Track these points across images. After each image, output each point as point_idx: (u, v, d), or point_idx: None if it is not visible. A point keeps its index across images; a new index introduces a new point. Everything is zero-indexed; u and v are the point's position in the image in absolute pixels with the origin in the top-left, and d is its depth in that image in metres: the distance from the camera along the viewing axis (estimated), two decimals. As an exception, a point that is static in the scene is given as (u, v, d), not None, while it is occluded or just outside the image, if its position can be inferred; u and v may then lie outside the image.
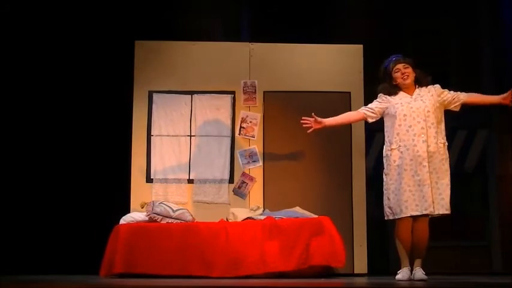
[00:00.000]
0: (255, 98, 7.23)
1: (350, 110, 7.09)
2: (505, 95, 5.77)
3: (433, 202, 5.59)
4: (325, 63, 7.33)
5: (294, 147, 7.16)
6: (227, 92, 7.23)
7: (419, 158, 5.63)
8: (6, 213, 7.24)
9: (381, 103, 5.88)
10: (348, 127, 7.12)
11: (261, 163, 7.15)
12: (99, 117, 7.56)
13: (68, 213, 7.45)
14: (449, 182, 5.68)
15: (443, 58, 9.03)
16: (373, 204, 6.89)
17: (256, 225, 6.44)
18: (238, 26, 8.08)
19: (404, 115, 5.73)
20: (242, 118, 7.21)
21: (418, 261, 5.71)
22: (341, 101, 7.19)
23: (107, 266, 6.31)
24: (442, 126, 5.79)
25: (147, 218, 6.60)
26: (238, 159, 7.16)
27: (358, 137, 7.14)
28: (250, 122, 7.19)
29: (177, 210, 6.68)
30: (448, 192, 5.66)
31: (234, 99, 7.24)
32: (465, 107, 5.89)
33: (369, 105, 5.95)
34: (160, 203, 6.71)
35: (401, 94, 5.84)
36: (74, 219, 7.41)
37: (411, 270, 5.71)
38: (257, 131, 7.19)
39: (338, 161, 7.16)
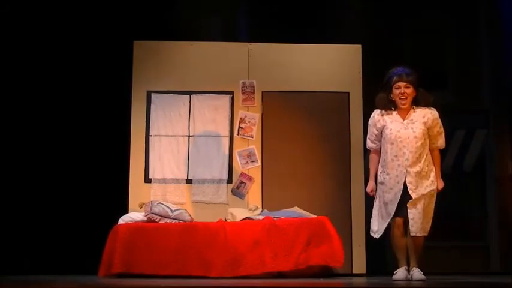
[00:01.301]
0: (253, 98, 7.23)
1: (348, 110, 7.21)
2: (440, 185, 5.70)
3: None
4: (324, 63, 7.32)
5: (293, 147, 7.16)
6: (225, 92, 7.22)
7: (396, 188, 5.63)
8: (6, 213, 7.25)
9: (377, 130, 5.79)
10: (346, 128, 7.14)
11: (259, 163, 7.15)
12: (97, 117, 7.56)
13: (67, 214, 7.45)
14: (427, 207, 5.60)
15: (443, 58, 9.01)
16: (371, 205, 6.87)
17: (254, 225, 6.43)
18: (237, 26, 8.07)
19: (392, 144, 5.66)
20: (240, 118, 7.21)
21: (414, 262, 5.69)
22: (339, 101, 7.19)
23: (106, 266, 6.30)
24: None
25: (145, 218, 6.59)
26: (237, 159, 7.16)
27: (357, 138, 7.12)
28: (249, 122, 7.19)
29: (175, 210, 6.68)
30: (419, 216, 5.56)
31: (232, 99, 7.23)
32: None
33: (369, 139, 5.87)
34: (159, 203, 6.71)
35: (394, 116, 5.73)
36: (73, 219, 7.41)
37: (408, 270, 5.71)
38: (255, 131, 7.18)
39: (337, 161, 7.15)
